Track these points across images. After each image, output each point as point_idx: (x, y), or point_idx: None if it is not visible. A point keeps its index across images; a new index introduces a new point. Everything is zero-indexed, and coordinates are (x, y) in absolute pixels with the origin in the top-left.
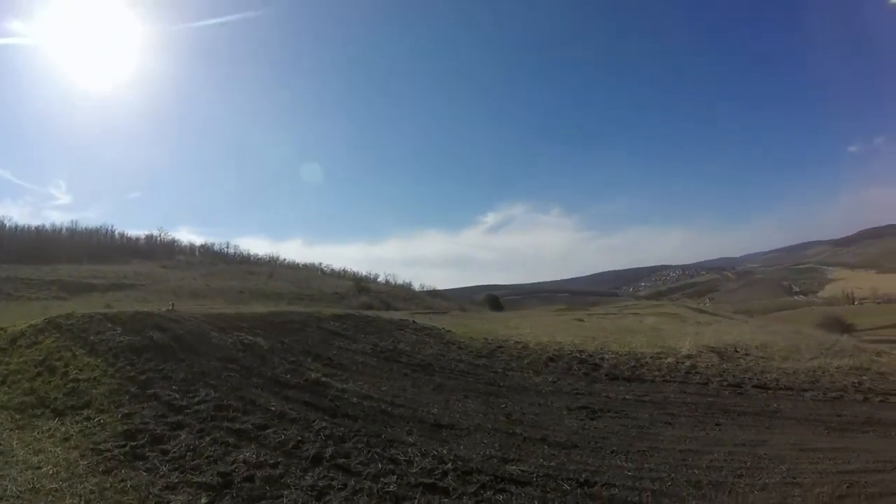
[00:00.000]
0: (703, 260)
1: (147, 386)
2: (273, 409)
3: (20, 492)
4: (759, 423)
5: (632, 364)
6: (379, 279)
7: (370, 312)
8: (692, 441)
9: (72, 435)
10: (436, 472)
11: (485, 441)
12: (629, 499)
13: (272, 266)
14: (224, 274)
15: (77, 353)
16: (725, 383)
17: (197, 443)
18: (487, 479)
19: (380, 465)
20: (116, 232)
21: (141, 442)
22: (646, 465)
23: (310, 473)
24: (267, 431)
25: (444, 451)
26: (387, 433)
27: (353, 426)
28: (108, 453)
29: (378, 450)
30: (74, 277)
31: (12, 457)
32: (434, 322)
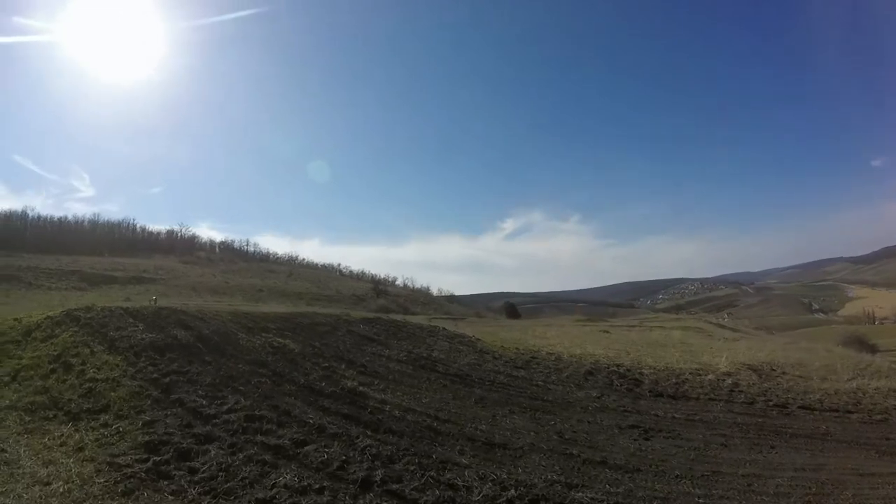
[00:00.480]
0: (721, 274)
1: (171, 390)
2: (311, 421)
3: None
4: (811, 445)
5: (673, 381)
6: (397, 282)
7: (397, 317)
8: (752, 464)
9: (87, 444)
10: (499, 501)
11: (543, 463)
12: None
13: (291, 265)
14: (243, 271)
15: (95, 349)
16: (771, 403)
17: (229, 461)
18: None
19: (437, 492)
20: (138, 226)
21: (165, 457)
22: (714, 492)
23: (360, 501)
24: (307, 448)
25: (504, 475)
26: (437, 453)
27: (399, 444)
28: (128, 469)
29: (432, 473)
30: (95, 269)
31: (19, 468)
32: (457, 328)
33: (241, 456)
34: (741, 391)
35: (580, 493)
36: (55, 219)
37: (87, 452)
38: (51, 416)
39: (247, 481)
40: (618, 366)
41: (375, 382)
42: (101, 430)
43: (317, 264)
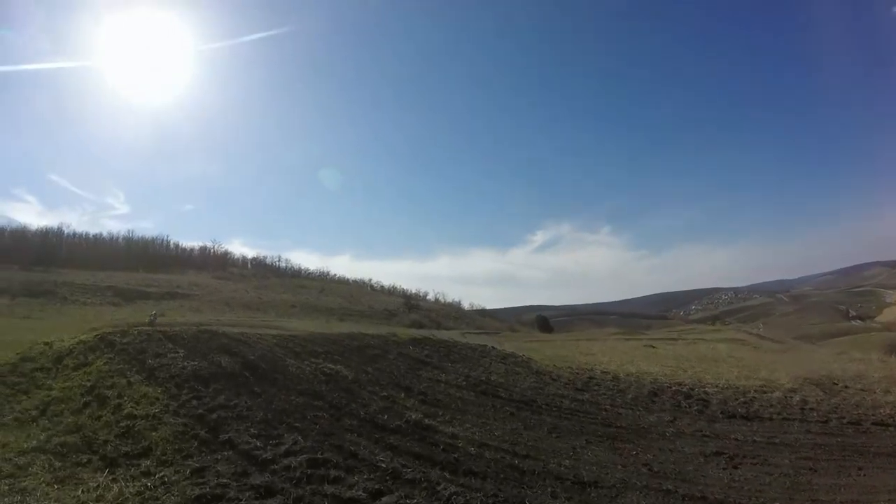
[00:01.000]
0: (756, 282)
1: (219, 428)
2: (382, 464)
3: None
4: None
5: (741, 399)
6: (428, 297)
7: (443, 335)
8: (846, 489)
9: (127, 498)
10: None
11: (642, 503)
12: None
13: (323, 281)
14: (276, 287)
15: (133, 379)
16: (844, 421)
17: None
18: None
19: None
20: (171, 242)
21: None
22: None
23: None
24: (385, 501)
25: None
26: (529, 497)
27: (485, 488)
28: None
29: None
30: (129, 285)
31: None
32: (501, 346)
33: None
34: (812, 409)
35: None
36: (90, 235)
37: None
38: (84, 460)
39: None
40: (679, 384)
41: (440, 413)
42: (143, 481)
43: (348, 280)
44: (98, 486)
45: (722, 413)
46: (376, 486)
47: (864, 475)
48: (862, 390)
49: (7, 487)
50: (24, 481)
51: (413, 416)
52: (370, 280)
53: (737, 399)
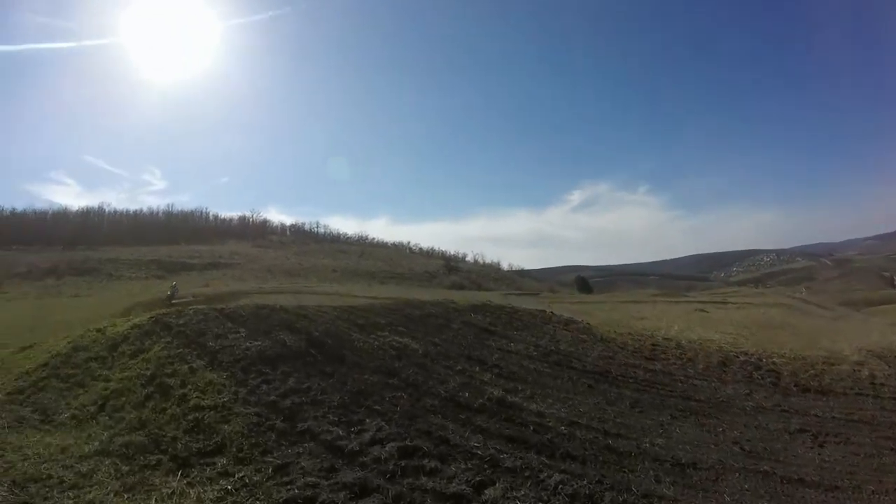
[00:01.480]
0: (798, 245)
1: (295, 416)
2: (477, 451)
3: None
4: None
5: (810, 372)
6: (467, 258)
7: (503, 301)
8: None
9: None
10: None
11: (745, 486)
12: None
13: (362, 245)
14: (316, 252)
15: (195, 364)
16: None
17: None
18: None
19: None
20: (210, 214)
21: None
22: None
23: None
24: (491, 493)
25: None
26: (634, 483)
27: (587, 473)
28: None
29: None
30: (172, 257)
31: None
32: (552, 309)
33: None
34: (882, 384)
35: None
36: (131, 212)
37: None
38: (153, 462)
39: None
40: (746, 354)
41: (519, 388)
42: (222, 483)
43: (387, 243)
44: (173, 492)
45: (795, 386)
46: (477, 478)
47: None
48: None
49: (72, 502)
50: (90, 492)
51: (495, 393)
52: (409, 243)
53: (806, 371)
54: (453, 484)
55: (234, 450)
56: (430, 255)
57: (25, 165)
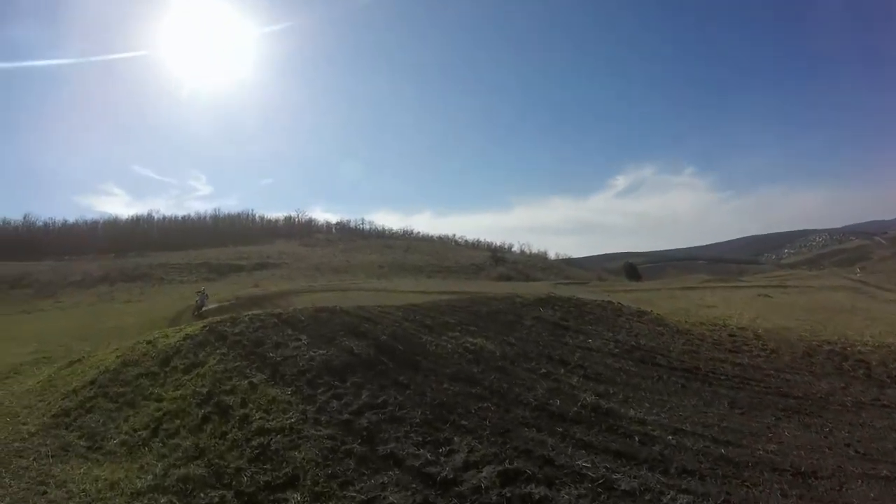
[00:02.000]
0: (851, 223)
1: (374, 438)
2: (587, 472)
3: None
4: None
5: None
6: (513, 249)
7: (567, 292)
8: None
9: None
10: None
11: (872, 496)
12: None
13: (407, 239)
14: (362, 249)
15: (255, 379)
16: None
17: None
18: None
19: None
20: (257, 215)
21: None
22: None
23: None
24: None
25: None
26: (761, 499)
27: (708, 490)
28: None
29: None
30: (221, 260)
31: None
32: (592, 295)
33: None
34: None
35: None
36: (179, 218)
37: None
38: (216, 499)
39: None
40: (828, 343)
41: (610, 391)
42: None
43: (432, 237)
44: None
45: (888, 377)
46: None
47: None
48: None
49: None
50: None
51: (588, 399)
52: (454, 235)
53: (895, 361)
54: None
55: (309, 482)
56: (475, 246)
57: (75, 178)
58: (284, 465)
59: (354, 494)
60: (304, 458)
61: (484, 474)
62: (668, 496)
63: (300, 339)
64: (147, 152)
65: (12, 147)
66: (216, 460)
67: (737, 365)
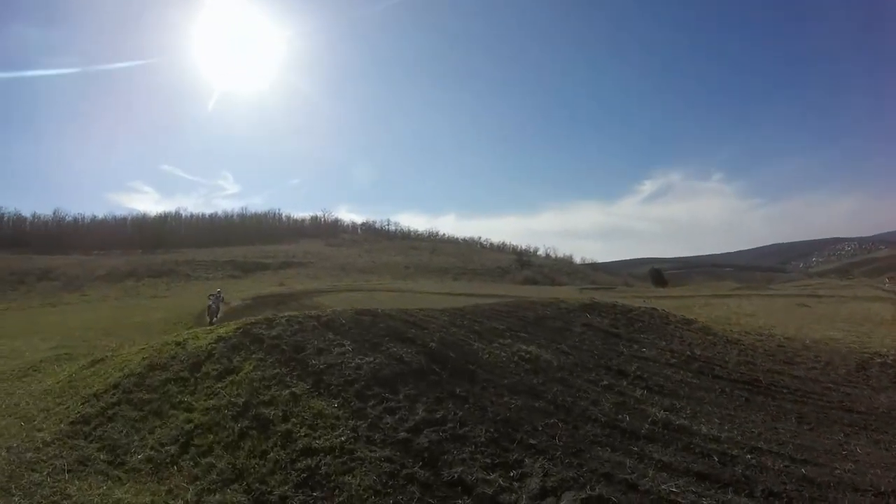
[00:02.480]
0: (881, 232)
1: (437, 460)
2: (675, 497)
3: None
4: None
5: None
6: (539, 252)
7: (608, 298)
8: None
9: None
10: None
11: None
12: None
13: (433, 241)
14: (388, 250)
15: (297, 389)
16: None
17: None
18: None
19: None
20: (283, 215)
21: None
22: None
23: None
24: None
25: None
26: None
27: None
28: None
29: None
30: (247, 258)
31: None
32: (647, 303)
33: None
34: None
35: None
36: (206, 215)
37: None
38: None
39: None
40: (879, 355)
41: (677, 405)
42: None
43: (458, 239)
44: None
45: None
46: None
47: None
48: None
49: None
50: None
51: (658, 415)
52: (479, 238)
53: None
54: None
55: None
56: (501, 249)
57: (106, 175)
58: (338, 492)
59: None
60: (359, 485)
61: (564, 503)
62: None
63: (343, 345)
64: (177, 152)
65: (47, 144)
66: (257, 485)
67: (795, 378)
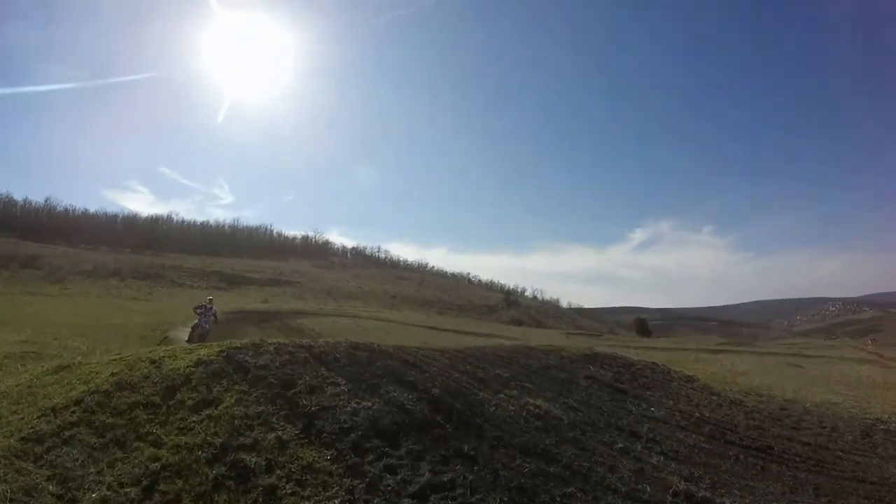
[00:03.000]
0: (865, 293)
1: None
2: None
3: None
4: None
5: None
6: (526, 293)
7: (607, 349)
8: None
9: None
10: None
11: None
12: None
13: (421, 273)
14: (376, 277)
15: (284, 433)
16: None
17: None
18: None
19: None
20: (275, 231)
21: None
22: None
23: None
24: None
25: None
26: None
27: None
28: None
29: None
30: (235, 270)
31: None
32: (639, 356)
33: None
34: None
35: None
36: (198, 223)
37: None
38: None
39: None
40: (881, 422)
41: (695, 474)
42: None
43: (446, 272)
44: None
45: None
46: None
47: None
48: None
49: None
50: None
51: (679, 486)
52: (468, 274)
53: None
54: None
55: None
56: (489, 287)
57: (104, 171)
58: None
59: None
60: None
61: None
62: None
63: (338, 384)
64: (176, 156)
65: (47, 133)
66: None
67: (806, 445)
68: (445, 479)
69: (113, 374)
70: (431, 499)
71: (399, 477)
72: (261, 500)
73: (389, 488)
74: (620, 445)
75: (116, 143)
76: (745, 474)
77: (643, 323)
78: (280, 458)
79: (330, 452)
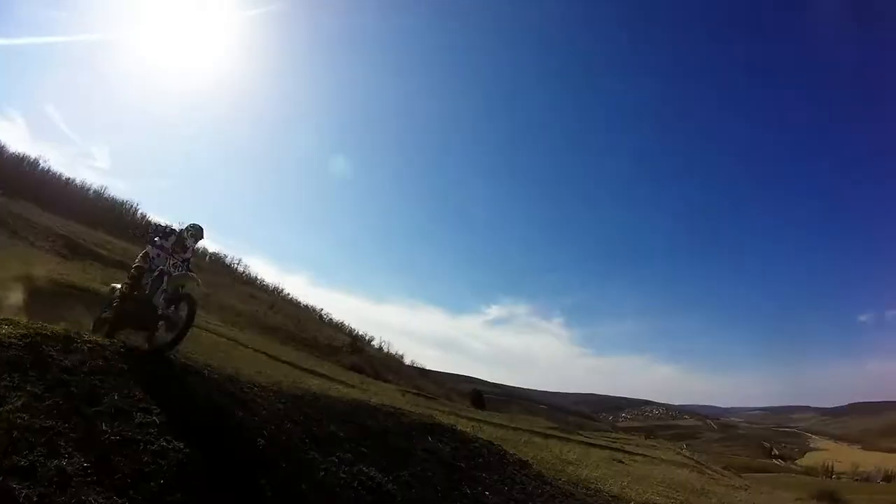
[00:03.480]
0: (688, 403)
1: None
2: None
3: None
4: None
5: None
6: (374, 342)
7: (447, 420)
8: None
9: None
10: None
11: None
12: None
13: (274, 297)
14: (227, 289)
15: (70, 465)
16: None
17: None
18: None
19: None
20: (139, 212)
21: None
22: None
23: None
24: None
25: None
26: None
27: None
28: None
29: None
30: (84, 241)
31: None
32: (479, 432)
33: None
34: None
35: None
36: (63, 177)
37: None
38: None
39: None
40: None
41: None
42: None
43: (299, 302)
44: None
45: None
46: None
47: None
48: None
49: None
50: None
51: None
52: (321, 310)
53: None
54: None
55: None
56: (338, 327)
57: None
58: None
59: None
60: None
61: None
62: None
63: (150, 413)
64: (67, 100)
65: None
66: None
67: None
68: None
69: None
70: None
71: None
72: None
73: None
74: None
75: (20, 71)
76: None
77: (479, 395)
78: (57, 499)
79: (122, 501)
